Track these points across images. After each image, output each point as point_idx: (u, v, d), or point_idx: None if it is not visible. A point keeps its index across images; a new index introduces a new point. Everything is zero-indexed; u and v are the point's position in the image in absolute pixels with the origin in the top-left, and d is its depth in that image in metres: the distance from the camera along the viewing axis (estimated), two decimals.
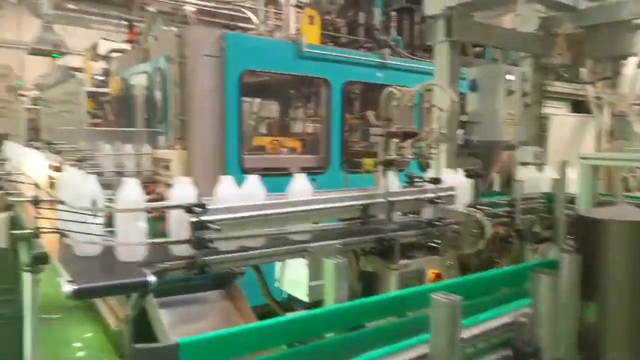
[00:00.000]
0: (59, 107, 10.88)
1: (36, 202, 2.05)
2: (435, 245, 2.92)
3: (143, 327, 2.34)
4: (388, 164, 2.71)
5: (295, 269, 2.59)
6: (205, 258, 2.08)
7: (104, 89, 9.28)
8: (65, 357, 4.53)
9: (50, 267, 2.22)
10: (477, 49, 6.94)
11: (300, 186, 2.48)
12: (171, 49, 4.88)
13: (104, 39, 13.26)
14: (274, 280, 2.78)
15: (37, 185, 2.72)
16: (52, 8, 17.64)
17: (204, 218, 2.04)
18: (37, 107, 15.46)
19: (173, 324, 2.54)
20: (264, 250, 2.29)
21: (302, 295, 2.47)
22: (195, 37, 4.60)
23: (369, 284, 2.80)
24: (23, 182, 3.05)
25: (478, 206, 2.93)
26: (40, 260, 2.11)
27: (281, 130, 6.97)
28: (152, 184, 5.00)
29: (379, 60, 5.77)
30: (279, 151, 5.66)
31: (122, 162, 5.13)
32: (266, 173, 5.14)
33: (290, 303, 2.68)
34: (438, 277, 2.88)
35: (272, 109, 7.44)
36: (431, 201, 2.76)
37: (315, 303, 2.30)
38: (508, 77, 4.06)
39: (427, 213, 2.86)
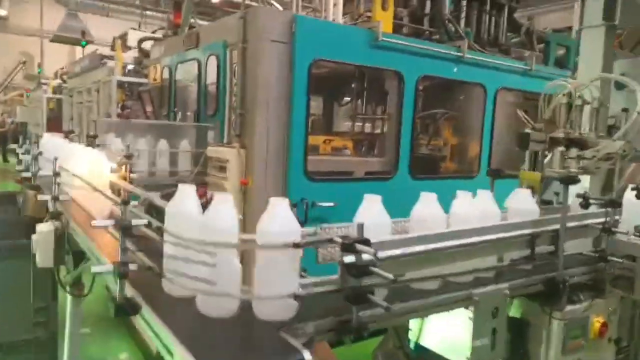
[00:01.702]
0: (86, 97, 10.37)
1: (126, 227, 1.44)
2: (596, 285, 2.28)
3: None
4: (568, 180, 2.07)
5: (440, 320, 1.96)
6: (361, 313, 1.46)
7: (137, 79, 8.76)
8: None
9: None
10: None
11: (464, 209, 1.84)
12: (231, 33, 4.26)
13: (133, 28, 12.75)
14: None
15: (108, 196, 2.11)
16: None
17: (366, 258, 1.41)
18: (59, 96, 15.04)
19: None
20: (429, 300, 1.66)
21: (457, 356, 1.84)
22: (261, 20, 3.97)
23: (517, 333, 2.17)
24: (77, 187, 2.46)
25: None
26: (128, 308, 1.49)
27: (333, 127, 6.34)
28: (202, 186, 4.41)
29: (456, 53, 5.11)
30: (341, 152, 5.03)
31: (169, 159, 4.55)
32: (330, 178, 4.54)
33: None
34: (604, 326, 2.24)
35: (321, 104, 6.80)
36: (606, 229, 2.12)
37: None
38: None
39: (587, 244, 2.22)
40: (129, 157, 3.92)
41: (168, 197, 3.50)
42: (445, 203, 5.25)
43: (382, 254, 1.45)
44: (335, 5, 6.71)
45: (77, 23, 15.54)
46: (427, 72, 4.91)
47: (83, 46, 13.67)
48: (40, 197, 2.53)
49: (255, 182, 4.10)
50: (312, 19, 4.30)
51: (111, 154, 3.60)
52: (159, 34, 9.28)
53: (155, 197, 1.89)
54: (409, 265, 1.64)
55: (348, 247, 1.40)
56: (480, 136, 5.53)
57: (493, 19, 6.16)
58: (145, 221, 1.56)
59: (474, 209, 1.86)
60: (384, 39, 4.50)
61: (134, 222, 1.50)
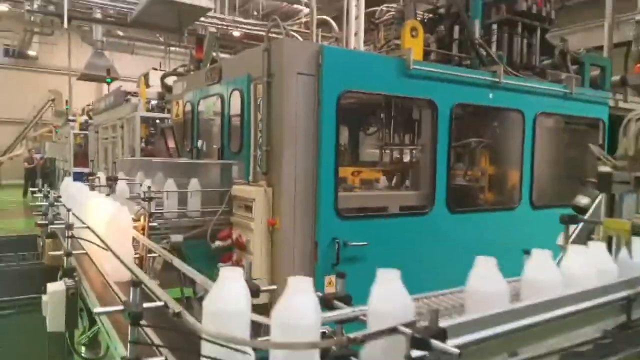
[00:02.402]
0: (111, 133, 10.41)
1: (135, 316, 1.17)
2: None
3: None
4: None
5: None
6: None
7: (160, 114, 8.72)
8: None
9: None
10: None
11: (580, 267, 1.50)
12: (256, 66, 4.08)
13: (155, 69, 12.91)
14: None
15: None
16: (103, 35, 17.69)
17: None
18: (85, 132, 15.27)
19: None
20: None
21: None
22: (286, 52, 3.79)
23: None
24: (91, 242, 2.23)
25: None
26: None
27: (361, 158, 6.07)
28: (226, 226, 4.17)
29: (491, 78, 4.83)
30: (372, 186, 4.75)
31: (193, 199, 4.33)
32: (362, 215, 4.25)
33: None
34: None
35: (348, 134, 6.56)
36: None
37: None
38: None
39: None
40: (149, 199, 3.72)
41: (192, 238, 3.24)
42: (485, 237, 4.91)
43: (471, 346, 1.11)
44: (356, 34, 6.57)
45: (103, 61, 15.89)
46: (462, 99, 4.63)
47: (108, 83, 13.90)
48: (51, 253, 2.33)
49: (283, 222, 3.84)
50: (340, 49, 4.11)
51: (129, 200, 3.39)
52: (181, 70, 9.30)
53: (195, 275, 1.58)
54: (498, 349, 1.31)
55: (419, 342, 1.08)
56: (520, 165, 5.19)
57: (525, 41, 5.88)
58: (161, 303, 1.30)
59: (589, 265, 1.50)
60: (415, 67, 4.26)
61: (147, 305, 1.24)
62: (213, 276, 3.96)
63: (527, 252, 1.76)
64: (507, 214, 5.10)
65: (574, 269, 1.47)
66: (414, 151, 4.76)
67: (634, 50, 9.74)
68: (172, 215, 4.08)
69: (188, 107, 5.52)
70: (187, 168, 4.69)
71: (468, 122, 5.14)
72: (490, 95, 4.87)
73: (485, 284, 1.40)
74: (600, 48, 9.49)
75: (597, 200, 3.52)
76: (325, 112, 3.87)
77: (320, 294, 1.48)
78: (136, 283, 1.30)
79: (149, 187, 3.88)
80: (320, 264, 3.91)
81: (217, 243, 4.04)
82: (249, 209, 3.94)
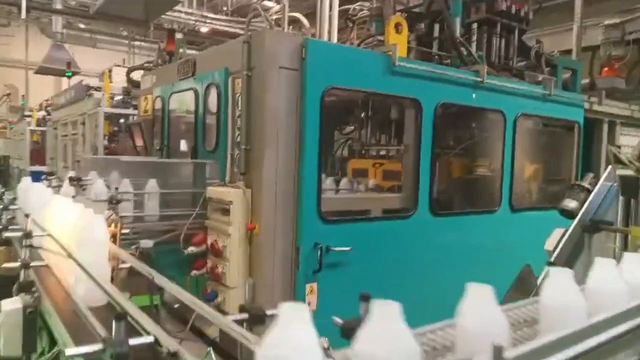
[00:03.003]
0: (71, 129, 9.85)
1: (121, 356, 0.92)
2: None
3: None
4: None
5: None
6: None
7: (125, 111, 8.30)
8: None
9: None
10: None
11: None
12: (234, 60, 3.83)
13: (118, 65, 12.34)
14: None
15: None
16: (63, 27, 16.87)
17: None
18: (43, 128, 14.48)
19: None
20: None
21: None
22: (268, 44, 3.55)
23: None
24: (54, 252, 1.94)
25: None
26: None
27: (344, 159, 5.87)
28: (199, 231, 3.90)
29: (474, 78, 4.73)
30: (354, 188, 4.56)
31: (163, 201, 4.04)
32: (345, 219, 4.06)
33: None
34: None
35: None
36: None
37: None
38: None
39: None
40: (116, 202, 3.43)
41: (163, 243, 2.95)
42: (468, 241, 4.80)
43: None
44: (329, 32, 6.32)
45: (63, 54, 15.07)
46: (446, 99, 4.50)
47: (69, 77, 13.22)
48: (6, 265, 2.02)
49: (263, 227, 3.60)
50: (325, 43, 3.90)
51: (96, 203, 3.09)
52: (148, 65, 8.88)
53: None
54: None
55: None
56: (500, 167, 5.11)
57: (503, 41, 5.83)
58: (151, 338, 1.05)
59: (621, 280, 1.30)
60: (401, 63, 4.10)
61: (133, 342, 0.99)
62: (185, 283, 3.67)
63: (551, 264, 1.59)
64: (488, 217, 5.01)
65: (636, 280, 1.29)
66: (397, 153, 4.60)
67: (603, 55, 9.96)
68: (149, 218, 3.77)
69: (158, 103, 5.20)
70: (156, 168, 4.38)
71: (450, 123, 5.02)
72: (474, 95, 4.77)
73: (562, 297, 1.16)
74: (568, 52, 9.64)
75: (585, 204, 3.45)
76: (308, 110, 3.65)
77: (339, 320, 1.26)
78: (120, 316, 1.03)
79: (116, 189, 3.58)
80: (301, 270, 3.70)
81: (191, 249, 3.76)
82: (225, 212, 3.68)
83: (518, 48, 6.07)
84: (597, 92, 6.47)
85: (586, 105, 6.11)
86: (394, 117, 4.82)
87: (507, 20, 5.81)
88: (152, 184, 3.94)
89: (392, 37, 4.36)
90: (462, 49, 5.16)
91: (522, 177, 5.26)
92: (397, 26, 4.43)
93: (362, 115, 5.32)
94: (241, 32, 17.41)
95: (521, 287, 3.17)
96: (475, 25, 5.68)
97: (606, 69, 9.63)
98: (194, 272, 3.82)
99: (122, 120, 9.01)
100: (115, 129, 8.93)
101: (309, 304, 3.75)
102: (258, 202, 3.63)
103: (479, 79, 4.73)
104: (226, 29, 17.94)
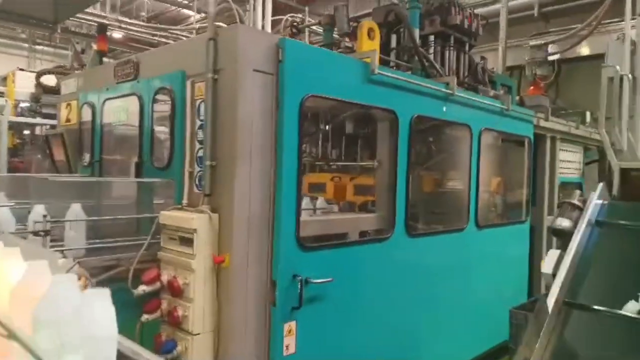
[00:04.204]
0: None
1: None
2: None
3: None
4: None
5: None
6: None
7: (33, 120, 7.19)
8: None
9: None
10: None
11: None
12: (193, 60, 3.24)
13: (21, 69, 10.88)
14: None
15: None
16: None
17: None
18: None
19: None
20: None
21: None
22: (241, 42, 3.00)
23: None
24: None
25: None
26: None
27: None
28: (152, 264, 3.23)
29: (446, 90, 4.50)
30: (329, 209, 4.08)
31: (100, 229, 3.31)
32: (324, 245, 3.57)
33: None
34: None
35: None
36: None
37: None
38: None
39: None
40: (44, 234, 2.69)
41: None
42: (440, 262, 4.52)
43: None
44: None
45: None
46: (420, 111, 4.21)
47: None
48: None
49: (235, 258, 3.01)
50: (303, 44, 3.43)
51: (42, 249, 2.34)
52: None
53: None
54: None
55: None
56: (468, 183, 4.92)
57: (455, 55, 5.73)
58: None
59: None
60: (380, 72, 3.73)
61: None
62: (134, 331, 2.95)
63: None
64: (457, 235, 4.78)
65: None
66: (373, 169, 4.22)
67: (529, 74, 10.45)
68: (78, 252, 3.01)
69: (86, 111, 4.38)
70: (92, 188, 3.61)
71: (421, 138, 4.75)
72: (444, 109, 4.53)
73: None
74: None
75: (585, 224, 3.27)
76: (286, 120, 3.14)
77: None
78: None
79: (45, 216, 2.82)
80: (278, 308, 3.14)
81: (142, 288, 3.06)
82: (186, 242, 3.04)
83: (468, 63, 6.02)
84: (543, 108, 6.59)
85: (534, 121, 6.18)
86: (366, 130, 4.42)
87: (459, 35, 5.73)
88: (76, 209, 3.19)
89: (366, 44, 4.00)
90: (425, 60, 4.93)
91: (484, 193, 5.11)
92: (370, 32, 4.08)
93: (328, 127, 4.88)
94: (159, 40, 16.35)
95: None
96: (432, 38, 5.53)
97: (532, 87, 10.11)
98: (145, 317, 3.12)
99: (27, 132, 7.85)
100: (19, 140, 7.75)
101: (286, 347, 3.20)
102: (228, 229, 3.03)
103: (449, 92, 4.51)
104: (144, 36, 16.78)
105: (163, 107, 3.55)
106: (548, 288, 3.15)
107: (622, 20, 10.44)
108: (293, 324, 3.23)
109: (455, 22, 5.61)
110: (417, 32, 5.10)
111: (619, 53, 8.48)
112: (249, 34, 3.05)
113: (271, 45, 3.13)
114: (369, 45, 3.99)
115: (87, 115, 4.39)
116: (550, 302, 2.86)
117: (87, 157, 4.37)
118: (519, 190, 6.02)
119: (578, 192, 3.62)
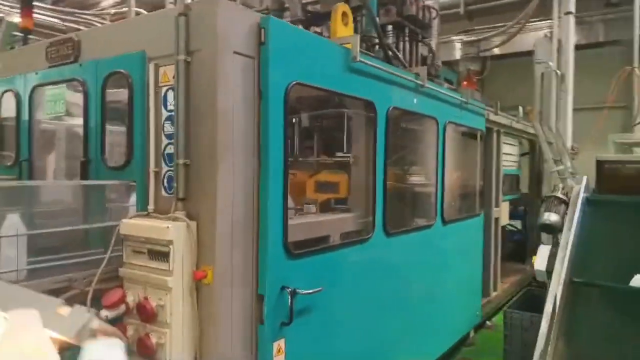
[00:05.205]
0: None
1: None
2: None
3: None
4: None
5: None
6: None
7: None
8: None
9: None
10: None
11: None
12: (154, 39, 2.74)
13: None
14: None
15: None
16: None
17: None
18: None
19: None
20: None
21: None
22: (220, 20, 2.54)
23: None
24: None
25: None
26: None
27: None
28: (113, 283, 2.70)
29: (417, 81, 4.31)
30: (307, 209, 3.71)
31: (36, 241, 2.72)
32: (311, 251, 3.21)
33: None
34: None
35: None
36: None
37: None
38: None
39: None
40: None
41: None
42: (413, 260, 4.35)
43: None
44: None
45: None
46: (395, 103, 3.97)
47: None
48: None
49: (218, 272, 2.57)
50: (288, 24, 3.02)
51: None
52: None
53: None
54: None
55: None
56: (435, 178, 4.78)
57: (408, 47, 5.59)
58: None
59: None
60: (362, 60, 3.42)
61: None
62: None
63: None
64: (426, 232, 4.63)
65: None
66: (349, 164, 3.90)
67: (462, 70, 10.70)
68: (18, 273, 2.41)
69: (8, 100, 3.64)
70: (22, 193, 2.96)
71: (394, 131, 4.51)
72: (415, 100, 4.34)
73: None
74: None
75: (576, 217, 3.22)
76: (271, 111, 2.74)
77: None
78: None
79: None
80: (267, 326, 2.75)
81: (104, 313, 2.52)
82: (159, 255, 2.55)
83: (419, 55, 5.91)
84: (494, 102, 6.68)
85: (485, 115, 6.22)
86: (339, 122, 4.09)
87: (413, 26, 5.59)
88: (14, 220, 2.57)
89: (340, 30, 3.68)
90: (389, 50, 4.71)
91: (449, 187, 5.02)
92: (344, 17, 3.76)
93: (295, 119, 4.49)
94: (68, 25, 14.87)
95: None
96: (390, 28, 5.33)
97: (465, 82, 10.37)
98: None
99: None
100: None
101: None
102: (209, 239, 2.58)
103: (420, 83, 4.32)
104: (50, 20, 15.16)
105: (116, 96, 2.98)
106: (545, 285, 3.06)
107: (542, 20, 11.04)
108: (282, 341, 2.86)
109: (410, 13, 5.45)
110: (377, 20, 4.86)
111: (546, 50, 8.86)
112: (230, 10, 2.59)
113: (252, 24, 2.71)
114: (344, 32, 3.67)
115: (7, 105, 3.66)
116: (558, 284, 2.76)
117: (9, 156, 3.64)
118: (473, 183, 6.04)
119: (561, 185, 3.58)
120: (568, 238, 3.08)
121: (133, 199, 2.87)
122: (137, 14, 8.71)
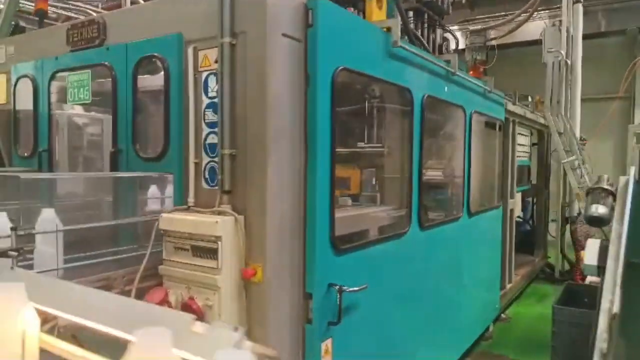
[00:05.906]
0: None
1: None
2: None
3: None
4: None
5: None
6: None
7: None
8: None
9: None
10: None
11: None
12: (192, 20, 2.55)
13: None
14: None
15: None
16: None
17: None
18: None
19: None
20: None
21: None
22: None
23: None
24: None
25: None
26: None
27: None
28: (151, 282, 2.54)
29: (447, 68, 4.15)
30: (344, 202, 3.53)
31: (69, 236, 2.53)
32: (357, 245, 3.06)
33: None
34: None
35: None
36: None
37: None
38: None
39: None
40: (17, 251, 1.97)
41: None
42: (445, 253, 4.23)
43: None
44: None
45: None
46: (430, 91, 3.82)
47: None
48: None
49: (269, 270, 2.42)
50: (335, 5, 2.84)
51: None
52: None
53: None
54: None
55: None
56: (462, 169, 4.65)
57: (427, 33, 5.43)
58: None
59: None
60: (402, 45, 3.26)
61: None
62: None
63: None
64: (455, 225, 4.50)
65: None
66: (386, 155, 3.73)
67: (469, 59, 10.56)
68: (53, 272, 2.23)
69: (24, 86, 3.42)
70: (48, 185, 2.77)
71: (426, 120, 4.36)
72: (446, 89, 4.19)
73: None
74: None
75: (627, 209, 3.10)
76: (319, 97, 2.57)
77: None
78: None
79: (14, 229, 2.04)
80: (315, 325, 2.61)
81: None
82: (206, 252, 2.38)
83: (437, 42, 5.76)
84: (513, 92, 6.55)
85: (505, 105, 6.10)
86: (377, 111, 3.90)
87: (431, 12, 5.44)
88: (49, 216, 2.38)
89: (376, 13, 3.51)
90: (414, 38, 4.55)
91: (474, 179, 4.89)
92: (378, 0, 3.59)
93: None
94: (59, 13, 14.45)
95: None
96: (412, 14, 5.16)
97: (472, 72, 10.23)
98: None
99: None
100: None
101: None
102: (259, 234, 2.42)
103: (451, 70, 4.17)
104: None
105: (151, 82, 2.79)
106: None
107: (544, 10, 10.92)
108: (329, 341, 2.71)
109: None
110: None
111: (556, 39, 8.72)
112: None
113: (298, 5, 2.53)
114: (379, 15, 3.50)
115: (24, 92, 3.44)
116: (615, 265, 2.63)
117: (26, 146, 3.43)
118: (492, 175, 5.92)
119: (605, 176, 3.46)
120: (620, 231, 2.96)
121: (169, 191, 2.69)
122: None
